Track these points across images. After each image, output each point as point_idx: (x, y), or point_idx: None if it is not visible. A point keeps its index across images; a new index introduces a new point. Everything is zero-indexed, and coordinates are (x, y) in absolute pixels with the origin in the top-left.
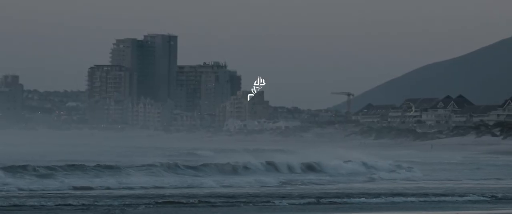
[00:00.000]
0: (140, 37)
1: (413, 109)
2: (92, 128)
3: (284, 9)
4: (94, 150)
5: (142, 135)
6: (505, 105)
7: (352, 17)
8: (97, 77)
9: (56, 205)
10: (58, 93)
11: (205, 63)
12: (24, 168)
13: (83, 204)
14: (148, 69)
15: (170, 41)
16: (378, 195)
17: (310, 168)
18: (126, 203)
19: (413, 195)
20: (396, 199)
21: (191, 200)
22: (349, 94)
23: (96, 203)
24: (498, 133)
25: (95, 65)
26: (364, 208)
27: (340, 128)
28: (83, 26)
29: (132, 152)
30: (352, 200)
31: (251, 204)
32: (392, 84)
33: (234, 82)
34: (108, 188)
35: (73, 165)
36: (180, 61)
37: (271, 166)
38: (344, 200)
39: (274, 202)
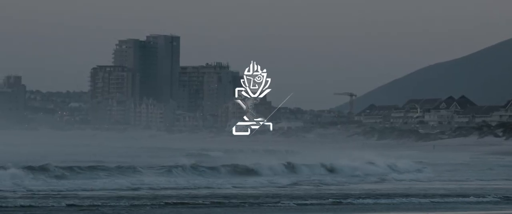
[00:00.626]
0: (143, 38)
1: (419, 110)
2: (94, 128)
3: (287, 9)
4: (100, 150)
5: (145, 135)
6: (508, 106)
7: (355, 17)
8: (99, 78)
9: (66, 205)
10: (61, 94)
11: (207, 63)
12: (42, 168)
13: (92, 205)
14: (150, 70)
15: (173, 42)
16: (388, 196)
17: (327, 169)
18: (135, 203)
19: (424, 196)
20: (406, 199)
21: (200, 201)
22: (351, 95)
23: (109, 203)
24: (500, 134)
25: (97, 66)
26: (368, 208)
27: (343, 129)
28: (86, 27)
29: (140, 152)
30: (359, 201)
31: (256, 205)
32: (394, 85)
33: (236, 83)
34: (127, 189)
35: (91, 167)
36: (183, 62)
37: (290, 167)
38: (349, 200)
39: (283, 203)
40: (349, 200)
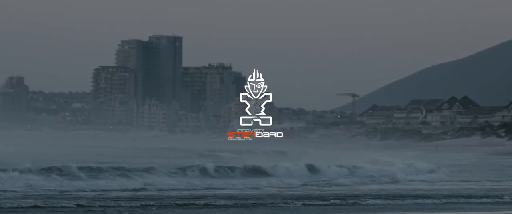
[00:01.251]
0: (145, 39)
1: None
2: (97, 129)
3: (289, 10)
4: (109, 152)
5: (147, 136)
6: (510, 106)
7: (357, 18)
8: (102, 79)
9: (76, 205)
10: (63, 95)
11: (210, 64)
12: (58, 169)
13: (100, 206)
14: (153, 71)
15: (175, 43)
16: (402, 196)
17: (349, 170)
18: (144, 203)
19: (432, 196)
20: (419, 200)
21: (222, 202)
22: (354, 96)
23: (133, 204)
24: (503, 134)
25: (100, 66)
26: (379, 208)
27: (345, 129)
28: (88, 27)
29: (151, 153)
30: (370, 201)
31: (261, 206)
32: (397, 86)
33: (239, 83)
34: (144, 189)
35: (111, 167)
36: (185, 63)
37: (310, 168)
38: (355, 201)
39: (289, 203)
40: (354, 201)
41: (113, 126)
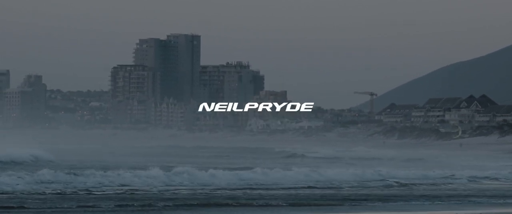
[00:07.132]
0: (163, 37)
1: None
2: (115, 127)
3: (308, 10)
4: (179, 152)
5: (165, 134)
6: None
7: (375, 17)
8: (120, 77)
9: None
10: (81, 93)
11: (228, 63)
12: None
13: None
14: (171, 69)
15: (193, 41)
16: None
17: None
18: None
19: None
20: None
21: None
22: (372, 94)
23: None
24: None
25: (118, 65)
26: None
27: (363, 128)
28: (106, 26)
29: (231, 153)
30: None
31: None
32: (415, 84)
33: (257, 82)
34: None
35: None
36: (203, 61)
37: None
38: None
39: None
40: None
41: (130, 124)
